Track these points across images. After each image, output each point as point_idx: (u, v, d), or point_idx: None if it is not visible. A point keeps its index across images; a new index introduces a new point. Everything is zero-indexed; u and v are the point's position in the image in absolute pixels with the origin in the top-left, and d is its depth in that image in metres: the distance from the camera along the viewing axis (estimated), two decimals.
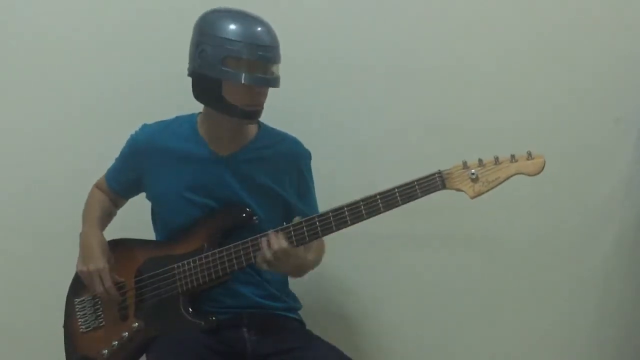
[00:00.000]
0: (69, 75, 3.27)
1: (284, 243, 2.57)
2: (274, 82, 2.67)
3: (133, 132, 2.86)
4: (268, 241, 2.58)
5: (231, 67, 2.61)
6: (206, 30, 2.66)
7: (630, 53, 3.28)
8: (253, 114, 2.71)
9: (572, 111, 3.27)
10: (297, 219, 2.61)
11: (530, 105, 3.26)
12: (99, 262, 2.74)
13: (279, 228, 2.61)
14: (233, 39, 2.60)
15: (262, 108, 2.72)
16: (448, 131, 3.24)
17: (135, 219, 2.99)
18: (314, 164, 2.92)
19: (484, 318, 3.34)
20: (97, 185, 2.96)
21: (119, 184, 2.91)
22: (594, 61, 3.27)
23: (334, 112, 3.27)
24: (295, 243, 2.58)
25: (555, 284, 3.32)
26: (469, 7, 3.26)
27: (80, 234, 2.83)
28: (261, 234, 2.61)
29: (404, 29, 3.26)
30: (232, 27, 2.63)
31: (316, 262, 2.83)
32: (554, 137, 3.20)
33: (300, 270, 2.75)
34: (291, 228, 2.59)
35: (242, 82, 2.60)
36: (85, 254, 2.77)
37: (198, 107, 2.80)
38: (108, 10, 3.26)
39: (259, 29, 2.65)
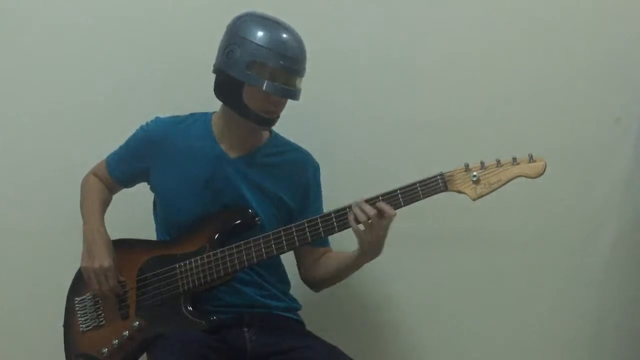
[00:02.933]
0: (74, 73, 3.28)
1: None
2: (295, 94, 2.70)
3: (144, 123, 2.88)
4: (361, 207, 2.56)
5: (255, 72, 2.64)
6: (237, 32, 2.70)
7: (630, 53, 3.28)
8: (268, 121, 2.74)
9: (572, 111, 3.27)
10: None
11: (530, 105, 3.27)
12: (105, 260, 2.73)
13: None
14: (262, 45, 2.64)
15: (278, 117, 2.75)
16: (448, 131, 3.25)
17: (136, 217, 3.01)
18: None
19: (484, 318, 3.33)
20: (94, 173, 2.96)
21: (122, 173, 2.91)
22: (594, 61, 3.27)
23: (333, 112, 3.28)
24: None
25: (555, 283, 3.32)
26: (468, 7, 3.27)
27: (84, 229, 2.83)
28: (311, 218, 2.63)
29: (403, 28, 3.26)
30: (263, 33, 2.66)
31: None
32: (554, 137, 3.20)
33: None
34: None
35: (264, 88, 2.63)
36: (90, 250, 2.77)
37: (211, 106, 2.82)
38: (120, 4, 3.28)
39: (289, 40, 2.68)
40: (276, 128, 2.87)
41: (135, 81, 3.27)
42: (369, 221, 2.54)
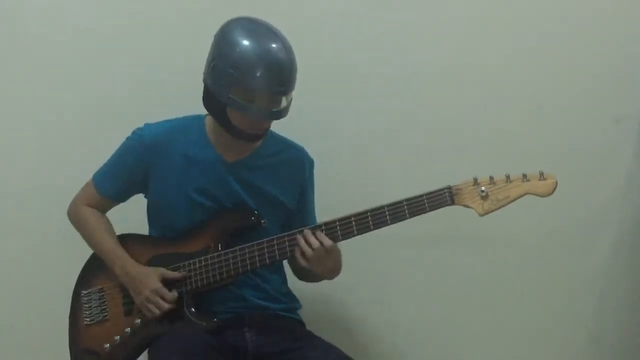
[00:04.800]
0: (70, 76, 3.28)
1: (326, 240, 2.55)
2: (281, 114, 2.62)
3: (132, 132, 2.81)
4: (305, 238, 2.56)
5: (239, 96, 2.56)
6: (222, 47, 2.61)
7: (630, 53, 3.28)
8: (255, 137, 2.71)
9: (572, 111, 3.27)
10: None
11: (530, 106, 3.27)
12: (149, 284, 2.67)
13: (312, 227, 2.60)
14: (246, 68, 2.54)
15: (266, 131, 2.72)
16: (448, 132, 3.25)
17: (133, 217, 2.96)
18: (316, 171, 2.93)
19: (484, 318, 3.34)
20: (84, 204, 2.86)
21: (115, 187, 2.83)
22: (594, 61, 3.27)
23: (334, 115, 3.28)
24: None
25: (555, 284, 3.33)
26: (469, 8, 3.26)
27: (116, 272, 2.74)
28: (291, 233, 2.61)
29: (404, 30, 3.26)
30: (248, 52, 2.56)
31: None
32: (554, 137, 3.21)
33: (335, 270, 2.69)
34: (323, 227, 2.58)
35: (248, 116, 2.59)
36: (134, 288, 2.71)
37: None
38: (109, 9, 3.27)
39: (277, 58, 2.56)
40: (278, 130, 2.86)
41: (134, 82, 3.27)
42: (315, 255, 2.55)
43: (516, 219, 3.22)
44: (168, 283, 2.69)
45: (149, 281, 2.67)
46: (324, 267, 2.60)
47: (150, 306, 2.66)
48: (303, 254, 2.56)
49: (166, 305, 2.66)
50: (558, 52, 3.26)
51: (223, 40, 2.62)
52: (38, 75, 3.27)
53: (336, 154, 3.25)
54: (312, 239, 2.55)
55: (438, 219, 3.11)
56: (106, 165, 2.84)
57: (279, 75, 2.57)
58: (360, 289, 3.33)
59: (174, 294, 2.67)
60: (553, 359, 3.38)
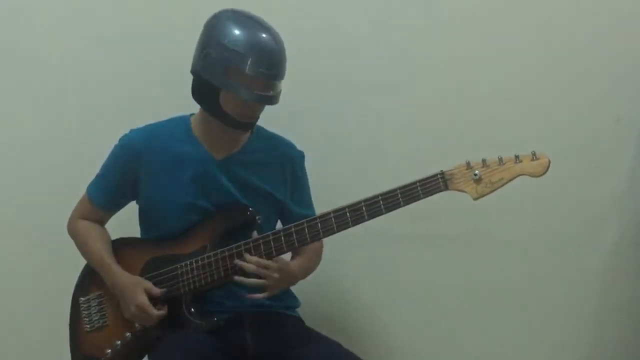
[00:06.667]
0: (78, 74, 3.31)
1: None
2: (273, 99, 2.67)
3: (118, 140, 2.81)
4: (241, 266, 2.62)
5: (232, 79, 2.61)
6: (214, 34, 2.65)
7: (630, 53, 3.27)
8: (246, 125, 2.73)
9: (572, 111, 3.27)
10: (254, 234, 2.66)
11: (530, 105, 3.26)
12: (135, 299, 2.66)
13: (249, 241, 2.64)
14: (238, 50, 2.59)
15: (257, 119, 2.75)
16: (447, 131, 3.25)
17: (127, 223, 2.95)
18: (313, 166, 2.94)
19: (484, 318, 3.34)
20: (80, 218, 2.88)
21: (108, 197, 2.84)
22: (594, 61, 3.27)
23: (332, 112, 3.28)
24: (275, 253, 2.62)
25: (555, 284, 3.31)
26: (468, 7, 3.27)
27: (107, 283, 2.76)
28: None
29: (403, 28, 3.27)
30: (240, 37, 2.61)
31: (308, 268, 2.86)
32: (554, 137, 3.18)
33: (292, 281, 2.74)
34: (261, 240, 2.64)
35: (241, 97, 2.61)
36: (123, 299, 2.72)
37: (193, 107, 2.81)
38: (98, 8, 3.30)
39: (268, 43, 2.63)
40: (275, 128, 2.88)
41: (134, 83, 3.30)
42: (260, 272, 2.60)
43: (516, 219, 3.29)
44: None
45: (135, 296, 2.67)
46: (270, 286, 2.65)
47: (138, 320, 2.69)
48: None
49: (151, 322, 2.67)
50: (558, 52, 3.26)
51: (215, 28, 2.67)
52: (37, 76, 3.30)
53: (335, 151, 3.26)
54: (246, 264, 2.61)
55: (438, 218, 3.17)
56: (97, 176, 2.85)
57: (271, 59, 2.62)
58: (359, 287, 3.34)
59: (159, 312, 2.66)
60: (553, 359, 3.37)
